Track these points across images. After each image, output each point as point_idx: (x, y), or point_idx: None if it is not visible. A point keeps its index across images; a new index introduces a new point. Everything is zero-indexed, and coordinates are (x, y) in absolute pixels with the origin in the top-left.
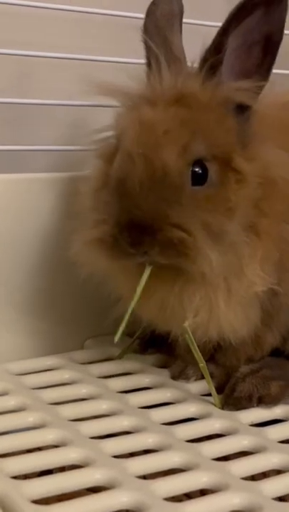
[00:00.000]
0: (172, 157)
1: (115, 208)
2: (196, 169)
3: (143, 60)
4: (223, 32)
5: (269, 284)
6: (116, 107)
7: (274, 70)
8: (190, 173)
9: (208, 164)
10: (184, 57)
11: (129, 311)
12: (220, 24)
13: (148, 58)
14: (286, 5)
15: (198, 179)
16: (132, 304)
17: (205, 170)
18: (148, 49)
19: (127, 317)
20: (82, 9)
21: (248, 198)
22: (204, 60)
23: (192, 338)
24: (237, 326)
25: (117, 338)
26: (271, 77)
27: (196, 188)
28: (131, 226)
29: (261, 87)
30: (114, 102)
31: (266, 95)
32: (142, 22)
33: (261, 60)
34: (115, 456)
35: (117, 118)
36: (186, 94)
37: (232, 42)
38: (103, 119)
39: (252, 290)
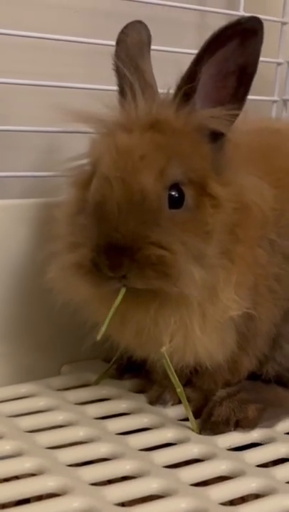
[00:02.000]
0: (150, 181)
1: (93, 231)
2: (173, 193)
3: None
4: (197, 61)
5: (244, 308)
6: (91, 133)
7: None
8: (167, 196)
9: (184, 188)
10: (156, 85)
11: (107, 321)
12: (192, 51)
13: (121, 85)
14: (261, 37)
15: (175, 203)
16: (109, 316)
17: (181, 194)
18: (121, 76)
19: (108, 318)
20: (57, 37)
21: (224, 223)
22: (179, 88)
23: (169, 363)
24: (213, 350)
25: (99, 336)
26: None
27: (174, 211)
28: (110, 248)
29: (235, 116)
30: (89, 129)
31: (240, 122)
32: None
33: (235, 89)
34: (93, 484)
35: (92, 144)
36: (161, 121)
37: (206, 71)
38: (78, 145)
39: (227, 315)
